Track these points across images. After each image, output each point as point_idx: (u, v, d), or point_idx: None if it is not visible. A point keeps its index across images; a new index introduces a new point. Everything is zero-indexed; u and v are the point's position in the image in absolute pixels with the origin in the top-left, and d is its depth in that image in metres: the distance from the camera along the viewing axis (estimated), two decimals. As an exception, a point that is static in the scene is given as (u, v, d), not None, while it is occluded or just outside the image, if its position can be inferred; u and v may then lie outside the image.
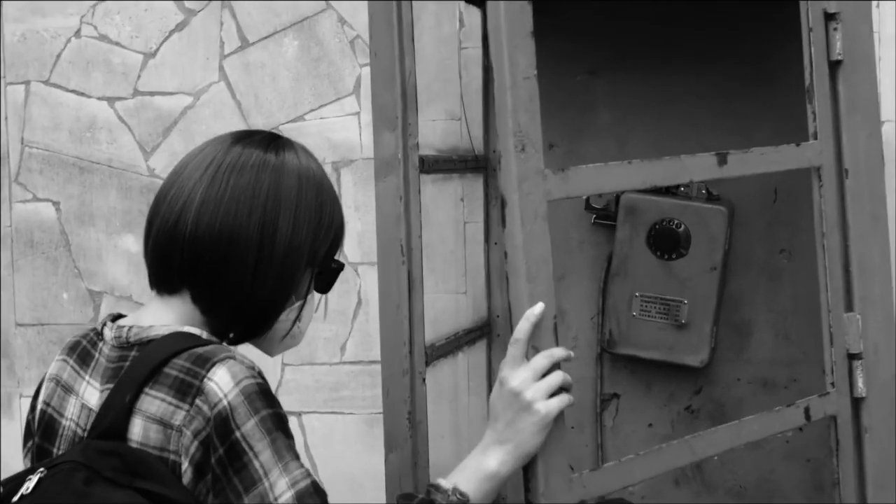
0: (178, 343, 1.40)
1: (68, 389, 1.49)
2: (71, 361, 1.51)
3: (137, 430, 1.37)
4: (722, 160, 1.80)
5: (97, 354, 1.49)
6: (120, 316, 1.53)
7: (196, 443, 1.33)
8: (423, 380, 2.25)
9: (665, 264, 2.73)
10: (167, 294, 1.48)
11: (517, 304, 1.61)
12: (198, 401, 1.34)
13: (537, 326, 1.56)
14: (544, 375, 1.54)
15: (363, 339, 3.45)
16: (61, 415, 1.48)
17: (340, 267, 1.56)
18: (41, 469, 1.35)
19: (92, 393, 1.46)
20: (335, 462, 3.49)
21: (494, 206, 3.01)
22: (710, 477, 2.94)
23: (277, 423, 1.36)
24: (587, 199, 2.88)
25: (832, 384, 1.96)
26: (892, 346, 2.03)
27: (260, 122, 3.42)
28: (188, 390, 1.35)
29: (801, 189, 2.84)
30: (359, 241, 3.43)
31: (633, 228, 2.76)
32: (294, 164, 1.49)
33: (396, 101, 2.15)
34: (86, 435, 1.42)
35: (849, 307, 1.99)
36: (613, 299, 2.83)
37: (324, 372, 3.48)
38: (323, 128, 3.41)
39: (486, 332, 3.00)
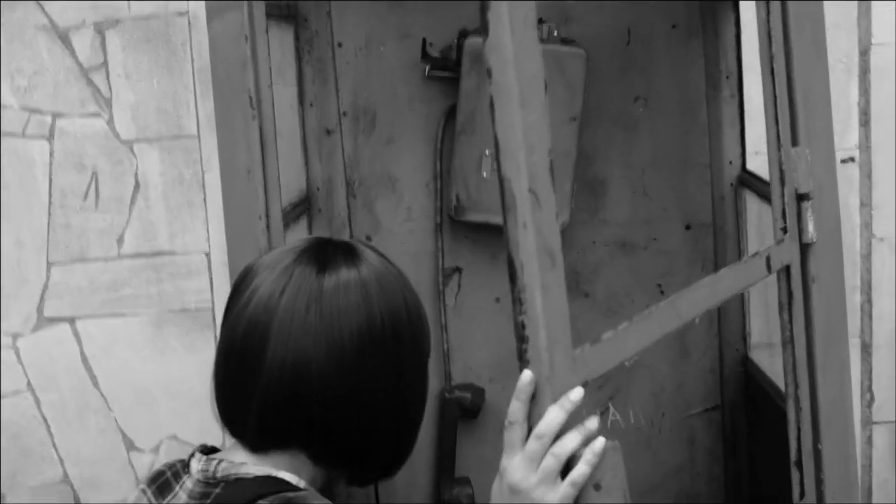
0: (267, 486, 1.26)
1: None
2: (149, 493, 1.35)
3: None
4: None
5: (178, 488, 1.33)
6: (214, 450, 1.36)
7: None
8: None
9: (520, 117, 2.40)
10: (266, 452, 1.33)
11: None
12: None
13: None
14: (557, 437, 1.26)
15: (144, 228, 2.96)
16: None
17: None
18: None
19: None
20: (120, 373, 3.00)
21: (308, 62, 2.58)
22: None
23: None
24: (423, 47, 2.50)
25: (783, 230, 1.72)
26: (835, 187, 1.81)
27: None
28: None
29: (658, 31, 2.62)
30: (133, 115, 2.91)
31: (480, 77, 2.40)
32: (383, 272, 1.35)
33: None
34: None
35: (795, 142, 1.74)
36: (460, 160, 2.49)
37: (99, 269, 2.96)
38: (80, -21, 2.85)
39: (306, 209, 2.60)
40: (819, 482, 1.76)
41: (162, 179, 2.94)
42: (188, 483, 1.34)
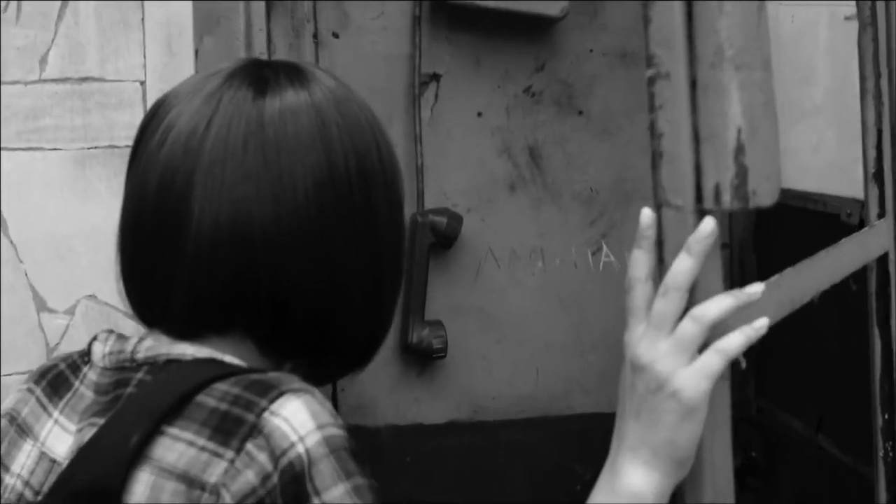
0: (217, 367, 0.97)
1: (24, 431, 1.04)
2: (38, 391, 1.06)
3: (142, 490, 0.91)
4: None
5: (77, 383, 1.04)
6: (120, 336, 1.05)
7: None
8: None
9: None
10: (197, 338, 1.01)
11: None
12: (250, 444, 0.90)
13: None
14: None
15: (71, 49, 2.58)
16: (6, 469, 1.02)
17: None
18: None
19: (59, 436, 1.01)
20: (33, 218, 2.59)
21: None
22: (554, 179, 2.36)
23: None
24: None
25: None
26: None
27: None
28: (235, 428, 0.91)
29: None
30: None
31: None
32: (343, 96, 1.03)
33: None
34: (39, 500, 0.97)
35: None
36: (448, -70, 2.17)
37: (16, 93, 2.57)
38: None
39: (266, -4, 2.25)
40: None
41: (95, -8, 2.58)
42: (91, 374, 1.05)
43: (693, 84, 0.89)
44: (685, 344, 0.89)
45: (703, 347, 0.90)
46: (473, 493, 2.36)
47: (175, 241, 0.97)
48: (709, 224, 0.90)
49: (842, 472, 1.94)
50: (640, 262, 0.92)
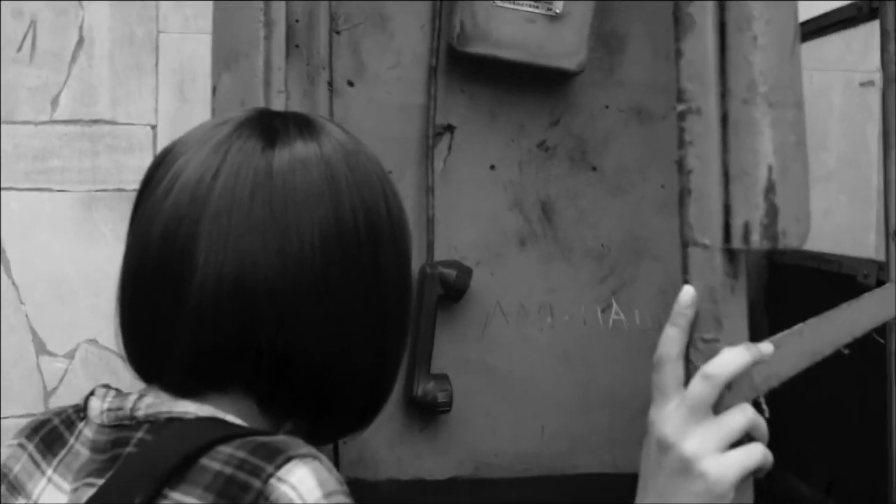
0: (221, 427, 0.92)
1: (16, 489, 0.98)
2: (30, 447, 1.00)
3: None
4: None
5: (72, 440, 0.98)
6: (118, 392, 0.99)
7: None
8: None
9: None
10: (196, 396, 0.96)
11: None
12: None
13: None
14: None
15: (84, 91, 2.57)
16: None
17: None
18: None
19: (53, 495, 0.95)
20: (37, 259, 2.57)
21: None
22: (565, 235, 2.33)
23: None
24: None
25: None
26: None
27: None
28: (240, 494, 0.86)
29: None
30: (82, -45, 2.56)
31: None
32: (353, 149, 0.99)
33: None
34: None
35: None
36: (468, -17, 2.17)
37: (26, 134, 2.56)
38: None
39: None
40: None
41: (110, 36, 2.57)
42: (87, 431, 0.98)
43: (724, 120, 0.87)
44: (697, 404, 0.86)
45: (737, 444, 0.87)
46: (474, 553, 2.31)
47: (177, 291, 0.93)
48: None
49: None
50: (674, 340, 0.88)
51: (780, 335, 0.96)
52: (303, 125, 0.99)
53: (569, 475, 2.33)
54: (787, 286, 2.24)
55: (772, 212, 0.87)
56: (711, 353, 0.87)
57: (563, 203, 2.31)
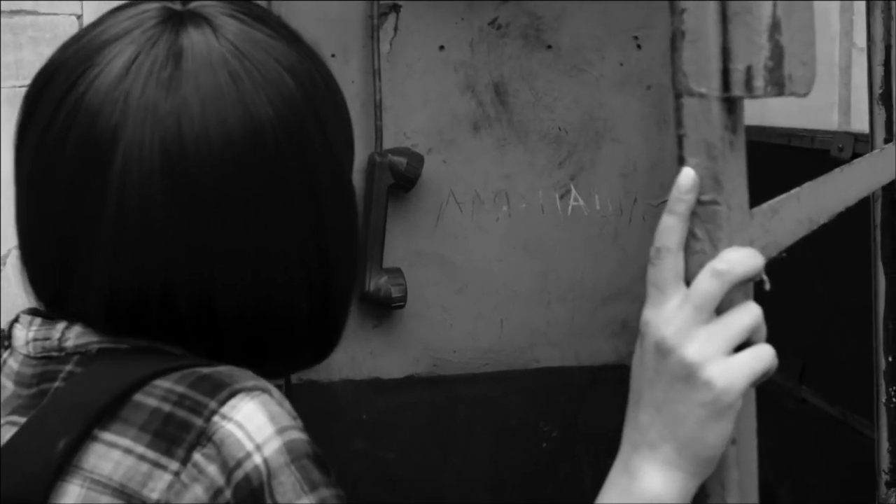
0: (159, 358, 0.83)
1: None
2: None
3: None
4: None
5: None
6: (48, 317, 0.88)
7: None
8: None
9: None
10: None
11: None
12: (198, 454, 0.77)
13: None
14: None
15: (0, -22, 2.39)
16: None
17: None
18: None
19: None
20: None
21: None
22: (520, 118, 2.22)
23: None
24: None
25: None
26: None
27: None
28: (180, 434, 0.78)
29: None
30: None
31: None
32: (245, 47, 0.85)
33: None
34: None
35: None
36: None
37: (-61, 25, 2.38)
38: None
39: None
40: None
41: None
42: (11, 362, 0.89)
43: (721, -51, 0.75)
44: (703, 303, 0.75)
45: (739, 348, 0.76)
46: (433, 452, 2.24)
47: (95, 203, 0.82)
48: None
49: (828, 424, 1.83)
50: (673, 229, 0.77)
51: (777, 199, 0.86)
52: (200, 23, 0.86)
53: (530, 369, 2.25)
54: (757, 164, 2.15)
55: (777, 53, 0.76)
56: (710, 217, 0.77)
57: (517, 84, 2.20)
